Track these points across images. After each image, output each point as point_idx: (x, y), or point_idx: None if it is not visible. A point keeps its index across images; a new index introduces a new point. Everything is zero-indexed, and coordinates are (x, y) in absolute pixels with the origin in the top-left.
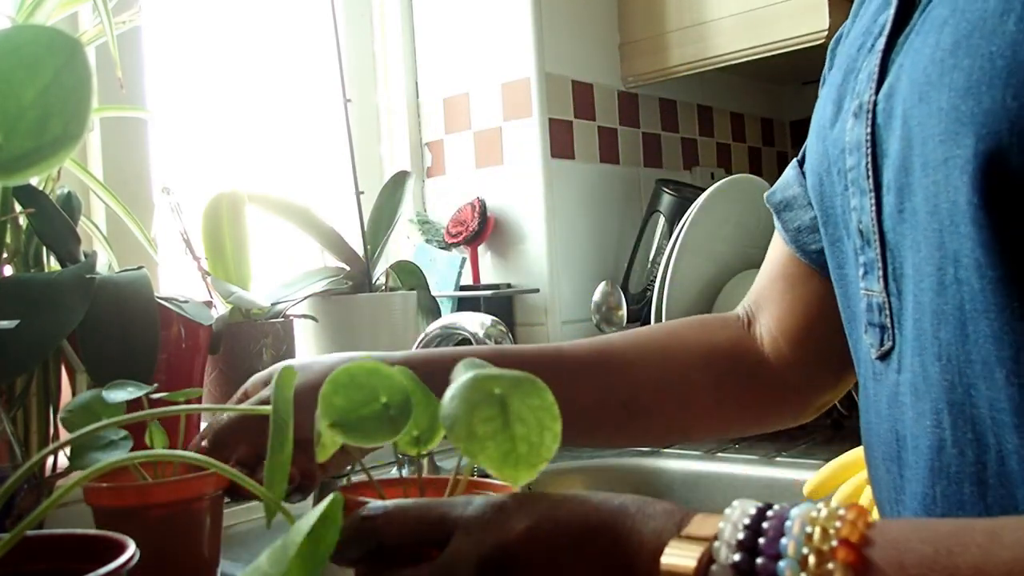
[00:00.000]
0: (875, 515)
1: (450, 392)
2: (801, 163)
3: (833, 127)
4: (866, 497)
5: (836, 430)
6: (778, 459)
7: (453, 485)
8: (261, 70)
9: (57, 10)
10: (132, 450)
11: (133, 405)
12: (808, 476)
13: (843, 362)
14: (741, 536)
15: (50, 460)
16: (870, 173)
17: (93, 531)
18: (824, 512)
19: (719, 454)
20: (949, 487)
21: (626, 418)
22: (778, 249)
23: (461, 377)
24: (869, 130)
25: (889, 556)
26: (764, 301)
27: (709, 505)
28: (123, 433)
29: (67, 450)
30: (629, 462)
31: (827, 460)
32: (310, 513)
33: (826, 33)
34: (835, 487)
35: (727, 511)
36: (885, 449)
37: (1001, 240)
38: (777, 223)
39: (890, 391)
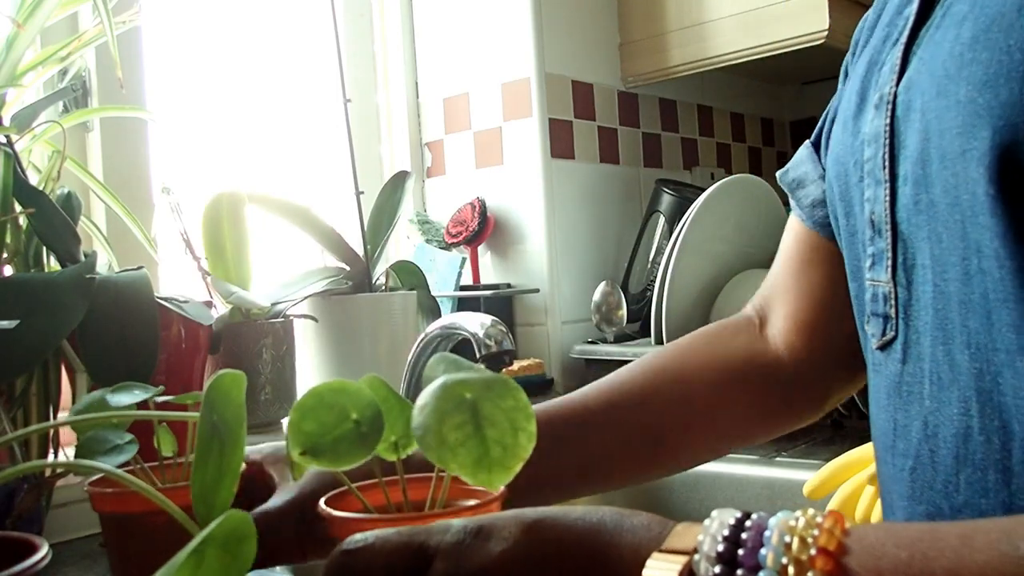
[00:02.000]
0: (876, 515)
1: (421, 400)
2: (815, 144)
3: (857, 120)
4: (866, 497)
5: (836, 430)
6: (778, 459)
7: (436, 483)
8: (261, 70)
9: (57, 10)
10: (139, 454)
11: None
12: (808, 476)
13: (855, 354)
14: (721, 548)
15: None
16: (886, 164)
17: (4, 532)
18: (802, 521)
19: None
20: (974, 474)
21: (654, 455)
22: (791, 237)
23: (432, 383)
24: (888, 122)
25: (866, 563)
26: (777, 295)
27: (709, 505)
28: (128, 437)
29: (68, 450)
30: None
31: (827, 460)
32: (201, 533)
33: (826, 33)
34: (835, 487)
35: (706, 522)
36: (883, 440)
37: (1018, 231)
38: (792, 202)
39: (890, 381)
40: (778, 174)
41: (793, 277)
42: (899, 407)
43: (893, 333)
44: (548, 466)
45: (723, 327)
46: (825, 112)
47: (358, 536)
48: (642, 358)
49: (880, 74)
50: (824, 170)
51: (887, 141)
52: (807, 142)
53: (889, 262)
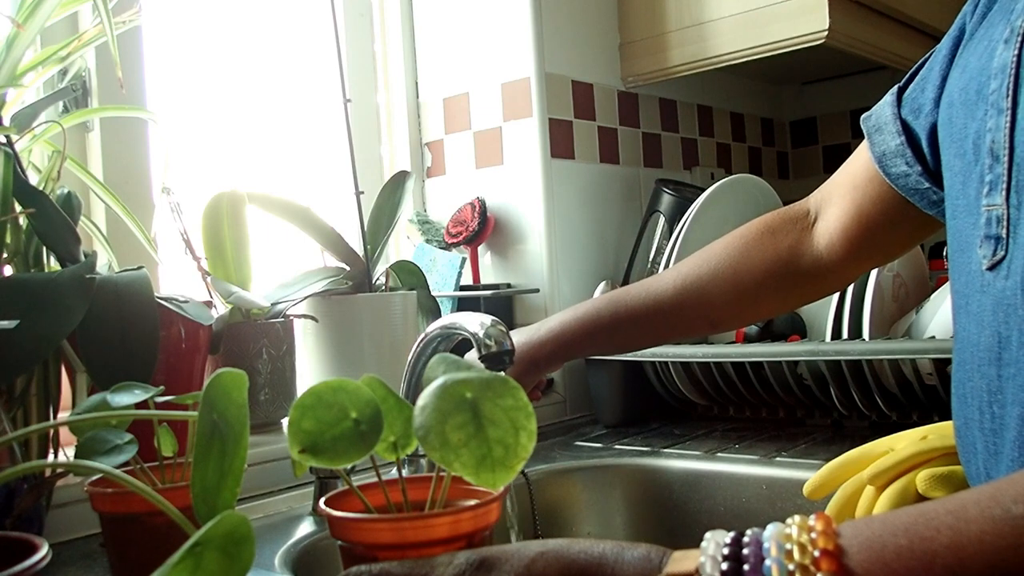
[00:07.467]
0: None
1: (421, 401)
2: (901, 91)
3: (982, 59)
4: (866, 497)
5: (836, 430)
6: (778, 459)
7: (436, 483)
8: (261, 70)
9: (57, 10)
10: (139, 454)
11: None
12: (808, 476)
13: (878, 262)
14: (725, 567)
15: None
16: (1009, 92)
17: (4, 532)
18: (795, 528)
19: (719, 454)
20: None
21: (703, 330)
22: (859, 158)
23: (432, 384)
24: (1016, 53)
25: (869, 557)
26: (834, 199)
27: (709, 504)
28: (128, 437)
29: (68, 450)
30: (629, 462)
31: (827, 460)
32: (196, 534)
33: (826, 33)
34: (835, 487)
35: (703, 545)
36: (984, 355)
37: None
38: (868, 143)
39: (996, 298)
40: (862, 119)
41: (851, 192)
42: (1002, 321)
43: (1003, 253)
44: (616, 331)
45: (781, 221)
46: (919, 65)
47: (362, 568)
48: (708, 250)
49: (1012, 13)
50: (901, 124)
51: (1013, 71)
52: (894, 88)
53: (1004, 186)
